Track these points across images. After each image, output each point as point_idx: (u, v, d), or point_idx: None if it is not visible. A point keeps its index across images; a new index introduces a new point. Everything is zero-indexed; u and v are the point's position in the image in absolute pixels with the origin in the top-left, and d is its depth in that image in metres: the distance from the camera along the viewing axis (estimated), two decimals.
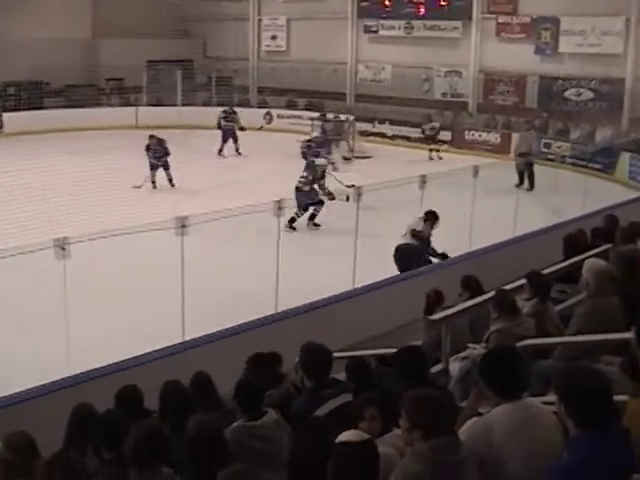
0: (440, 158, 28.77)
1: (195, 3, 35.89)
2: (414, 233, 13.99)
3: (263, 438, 5.70)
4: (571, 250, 10.54)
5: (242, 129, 29.12)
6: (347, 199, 15.56)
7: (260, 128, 30.95)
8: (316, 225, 18.52)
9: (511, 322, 7.84)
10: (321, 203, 18.51)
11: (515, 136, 28.27)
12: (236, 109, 30.35)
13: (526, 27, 30.63)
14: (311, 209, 18.50)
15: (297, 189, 18.24)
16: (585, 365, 5.16)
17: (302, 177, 18.61)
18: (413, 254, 13.88)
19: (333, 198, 18.06)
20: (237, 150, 28.87)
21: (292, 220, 17.75)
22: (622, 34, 28.02)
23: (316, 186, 18.66)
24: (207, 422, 5.39)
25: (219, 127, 28.97)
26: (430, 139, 29.69)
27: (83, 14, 35.44)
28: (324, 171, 19.13)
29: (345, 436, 4.45)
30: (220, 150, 28.58)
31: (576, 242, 10.87)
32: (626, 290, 7.86)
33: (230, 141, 28.83)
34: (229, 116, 29.11)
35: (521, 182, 23.80)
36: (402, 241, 14.06)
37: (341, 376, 6.91)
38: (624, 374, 5.83)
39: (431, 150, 29.37)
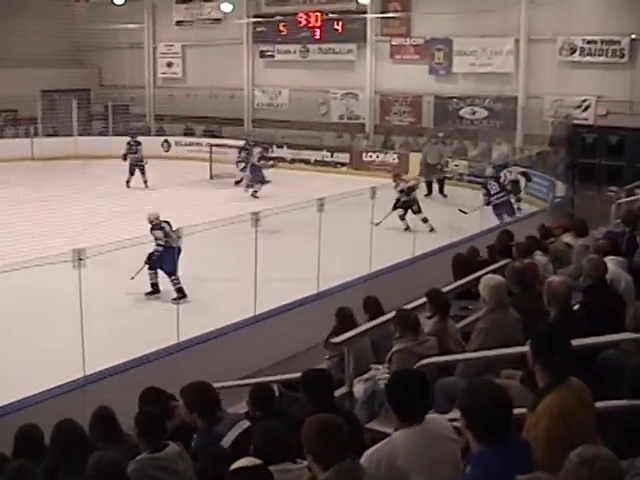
0: (432, 229, 19.80)
1: (89, 31, 35.38)
2: None
3: (167, 469, 5.61)
4: (459, 270, 10.68)
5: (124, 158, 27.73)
6: None
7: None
8: None
9: (413, 341, 7.85)
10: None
11: (413, 155, 28.83)
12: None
13: (420, 48, 31.12)
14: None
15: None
16: (484, 380, 5.20)
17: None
18: None
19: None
20: (145, 182, 27.52)
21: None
22: (512, 54, 28.71)
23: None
24: (107, 459, 5.25)
25: (124, 159, 27.68)
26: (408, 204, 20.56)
27: None
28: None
29: (238, 464, 4.41)
30: (127, 182, 27.49)
31: (464, 262, 11.02)
32: (522, 304, 7.97)
33: (137, 172, 27.62)
34: (132, 147, 27.84)
35: (429, 192, 24.35)
36: None
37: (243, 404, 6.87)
38: (524, 387, 5.90)
39: (402, 218, 20.34)
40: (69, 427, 6.05)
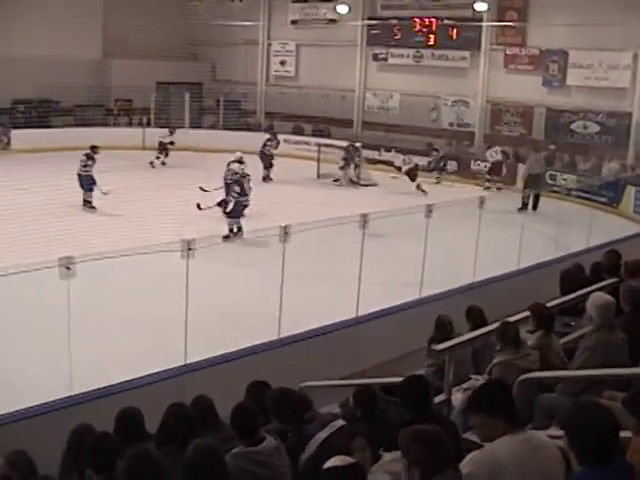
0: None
1: (206, 26, 35.98)
2: None
3: (262, 464, 5.65)
4: (567, 285, 10.52)
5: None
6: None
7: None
8: None
9: (515, 354, 7.78)
10: None
11: (521, 166, 28.45)
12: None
13: (534, 59, 30.72)
14: None
15: None
16: (591, 400, 5.14)
17: None
18: None
19: None
20: (267, 176, 28.36)
21: None
22: (629, 69, 28.11)
23: None
24: (207, 446, 5.35)
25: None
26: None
27: (94, 34, 35.44)
28: None
29: (331, 462, 4.43)
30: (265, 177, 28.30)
31: (573, 277, 10.85)
32: (632, 324, 7.83)
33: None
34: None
35: (534, 205, 24.00)
36: None
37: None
38: (626, 410, 5.81)
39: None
40: (181, 410, 6.19)
